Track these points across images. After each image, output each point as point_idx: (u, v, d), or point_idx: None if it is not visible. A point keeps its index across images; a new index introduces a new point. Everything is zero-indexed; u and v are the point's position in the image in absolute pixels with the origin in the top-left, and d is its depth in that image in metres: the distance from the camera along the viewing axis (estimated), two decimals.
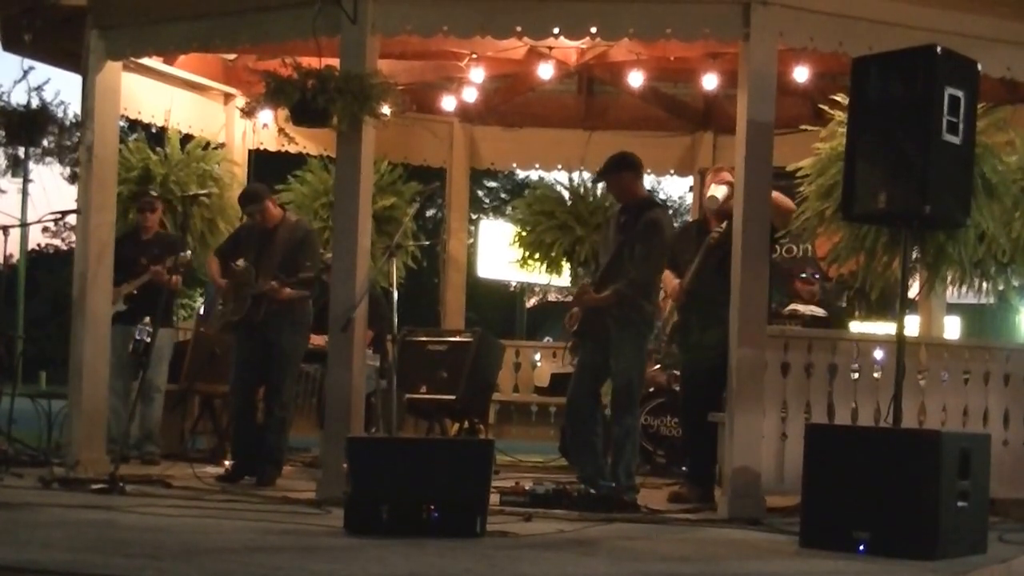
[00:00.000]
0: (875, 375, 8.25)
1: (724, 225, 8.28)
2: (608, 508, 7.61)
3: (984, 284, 8.50)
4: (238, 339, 9.11)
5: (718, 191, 8.50)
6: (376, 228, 10.46)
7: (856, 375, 8.23)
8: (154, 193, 10.52)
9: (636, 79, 11.66)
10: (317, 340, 9.73)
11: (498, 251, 13.79)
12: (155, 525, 6.51)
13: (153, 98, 11.01)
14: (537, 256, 12.00)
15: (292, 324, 9.01)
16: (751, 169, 7.95)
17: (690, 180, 14.41)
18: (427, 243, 13.19)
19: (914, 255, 7.90)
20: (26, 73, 9.41)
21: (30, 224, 19.50)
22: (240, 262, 9.05)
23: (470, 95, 12.46)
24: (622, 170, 8.55)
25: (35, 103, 9.39)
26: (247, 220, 9.56)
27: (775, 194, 8.20)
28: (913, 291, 8.92)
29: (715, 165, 10.32)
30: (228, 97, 11.87)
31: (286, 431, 9.12)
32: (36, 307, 39.42)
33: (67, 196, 45.62)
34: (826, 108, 8.44)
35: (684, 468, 9.15)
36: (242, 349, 9.07)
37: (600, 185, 11.34)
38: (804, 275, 10.89)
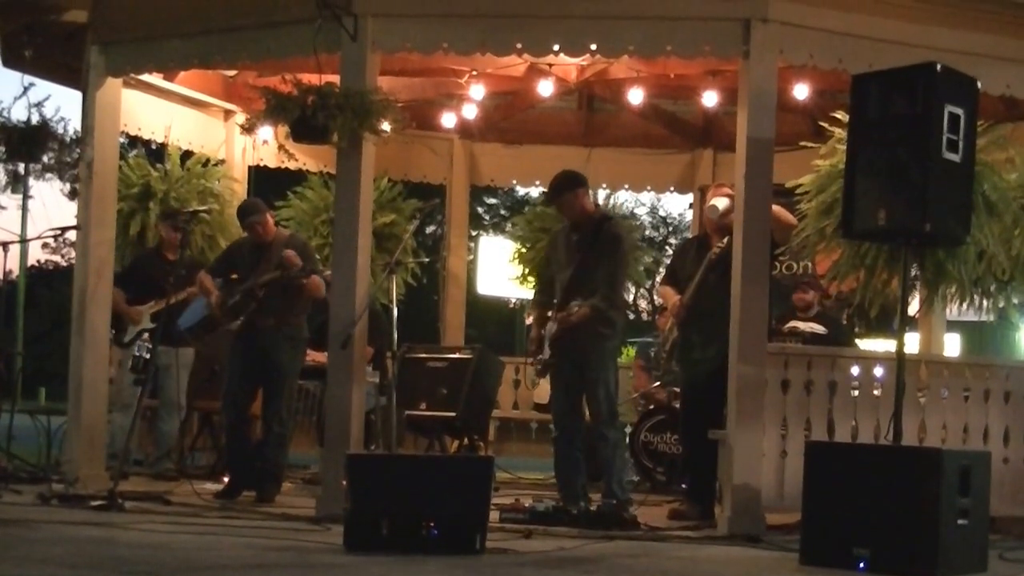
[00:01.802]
0: (875, 392, 8.25)
1: (726, 241, 8.29)
2: (608, 525, 7.60)
3: (984, 301, 8.49)
4: (234, 354, 9.09)
5: (719, 202, 8.51)
6: (376, 245, 10.46)
7: (856, 392, 8.23)
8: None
9: (636, 96, 11.67)
10: (317, 357, 9.72)
11: (498, 268, 13.78)
12: (154, 542, 6.50)
13: (153, 114, 11.01)
14: (536, 273, 11.99)
15: (289, 340, 9.00)
16: (751, 186, 7.96)
17: (690, 197, 14.46)
18: (427, 260, 13.17)
19: (914, 272, 7.90)
20: (26, 89, 9.42)
21: (30, 240, 19.45)
22: (234, 277, 9.04)
23: (470, 112, 12.47)
24: (576, 188, 8.55)
25: (35, 119, 9.38)
26: (239, 238, 9.55)
27: (777, 208, 8.21)
28: (913, 308, 8.93)
29: (715, 182, 10.33)
30: (228, 113, 11.87)
31: (285, 447, 9.12)
32: (36, 323, 39.40)
33: (67, 212, 45.55)
34: (826, 125, 8.44)
35: (684, 485, 9.14)
36: (238, 363, 9.05)
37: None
38: (801, 284, 10.90)
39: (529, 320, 9.26)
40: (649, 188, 14.63)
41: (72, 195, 9.93)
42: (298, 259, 8.71)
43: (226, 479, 9.10)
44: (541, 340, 8.52)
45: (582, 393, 8.55)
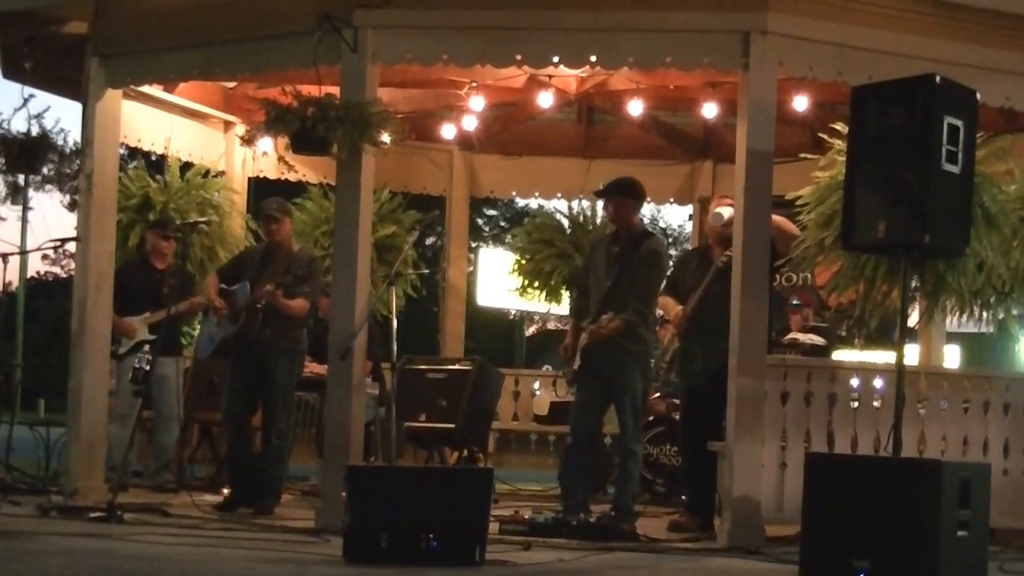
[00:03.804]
0: (875, 404, 8.24)
1: (731, 251, 8.29)
2: (607, 537, 7.59)
3: (983, 313, 8.49)
4: (231, 367, 9.07)
5: (724, 211, 8.51)
6: (377, 256, 10.47)
7: (856, 404, 8.22)
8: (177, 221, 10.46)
9: (636, 108, 11.68)
10: (317, 368, 9.72)
11: (497, 279, 13.78)
12: (153, 554, 6.49)
13: (153, 126, 11.02)
14: (536, 284, 11.99)
15: (287, 353, 8.97)
16: (751, 198, 7.96)
17: (690, 208, 14.44)
18: (427, 271, 13.15)
19: (913, 284, 7.90)
20: (26, 101, 9.43)
21: (30, 252, 19.49)
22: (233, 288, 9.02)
23: (470, 124, 12.48)
24: (626, 195, 8.62)
25: (35, 131, 9.39)
26: (253, 245, 9.54)
27: (779, 218, 8.24)
28: (913, 320, 8.92)
29: (716, 193, 10.34)
30: (228, 125, 11.88)
31: (284, 460, 9.10)
32: (35, 335, 39.38)
33: (67, 224, 45.51)
34: (825, 137, 8.45)
35: (684, 497, 9.14)
36: (235, 378, 9.03)
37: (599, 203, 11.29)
38: (794, 303, 10.92)
39: (567, 326, 9.23)
40: (649, 199, 14.57)
41: (72, 206, 9.95)
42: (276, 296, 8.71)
43: (225, 491, 9.08)
44: (575, 349, 8.53)
45: (604, 407, 8.59)
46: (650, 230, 9.51)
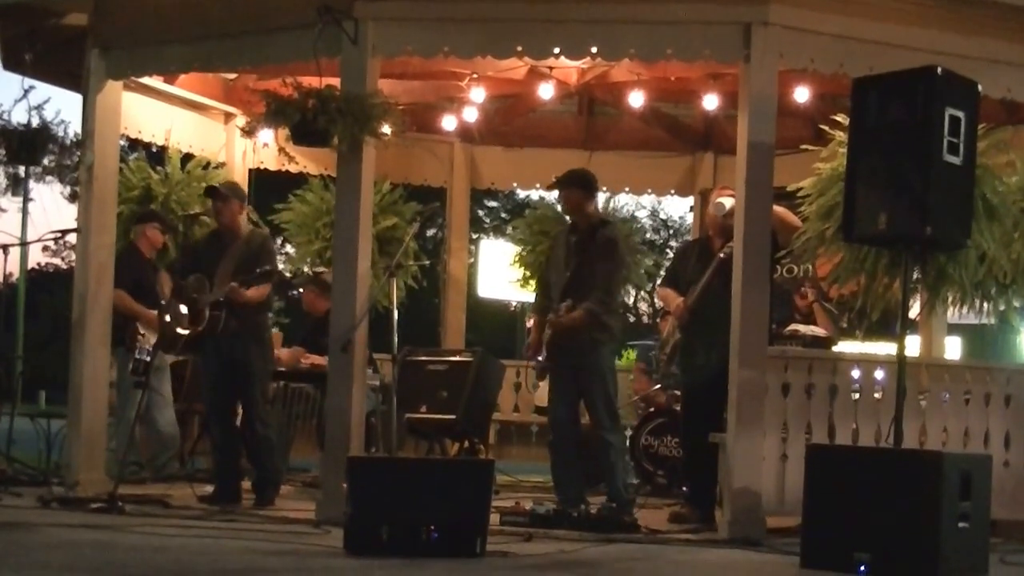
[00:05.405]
0: (876, 396, 8.24)
1: (732, 242, 8.29)
2: (608, 528, 7.60)
3: (985, 305, 8.49)
4: (204, 364, 9.01)
5: (726, 201, 8.50)
6: (378, 248, 10.46)
7: (857, 396, 8.22)
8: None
9: (637, 100, 11.65)
10: (317, 360, 9.71)
11: (498, 271, 13.78)
12: (154, 545, 6.50)
13: (154, 117, 10.99)
14: (537, 276, 11.99)
15: (257, 342, 8.88)
16: (752, 190, 7.96)
17: (691, 200, 14.45)
18: (427, 263, 13.13)
19: (915, 276, 7.89)
20: (27, 92, 9.45)
21: (30, 243, 19.40)
22: (191, 278, 8.89)
23: (471, 115, 12.46)
24: (574, 186, 8.64)
25: (36, 122, 9.41)
26: (200, 235, 9.49)
27: (781, 210, 8.24)
28: (914, 312, 8.92)
29: (718, 185, 10.33)
30: (228, 116, 11.86)
31: (274, 449, 9.02)
32: (36, 327, 39.36)
33: (67, 215, 45.52)
34: (827, 128, 8.44)
35: (685, 489, 9.15)
36: (210, 373, 8.97)
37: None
38: (801, 289, 10.91)
39: (530, 323, 9.26)
40: (650, 191, 14.68)
41: (72, 198, 9.95)
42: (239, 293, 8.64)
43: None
44: (540, 343, 8.55)
45: (579, 398, 8.59)
46: (607, 218, 9.48)
